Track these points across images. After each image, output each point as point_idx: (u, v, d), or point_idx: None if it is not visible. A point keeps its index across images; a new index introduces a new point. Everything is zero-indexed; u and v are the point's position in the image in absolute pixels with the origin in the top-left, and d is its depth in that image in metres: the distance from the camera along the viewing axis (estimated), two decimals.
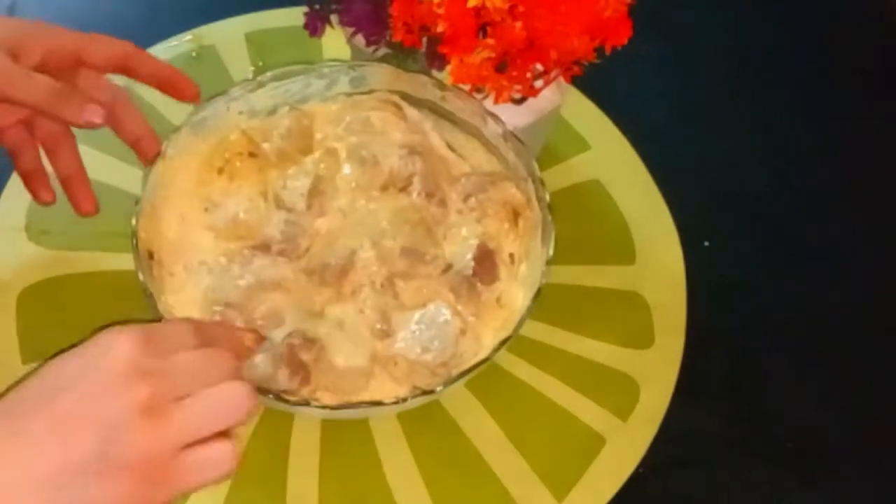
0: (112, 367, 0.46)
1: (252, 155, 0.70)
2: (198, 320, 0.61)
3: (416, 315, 0.64)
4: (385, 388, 0.63)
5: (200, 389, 0.48)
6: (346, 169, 0.69)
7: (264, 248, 0.66)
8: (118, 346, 0.47)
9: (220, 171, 0.69)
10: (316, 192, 0.68)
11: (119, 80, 0.76)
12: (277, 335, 0.62)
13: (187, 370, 0.48)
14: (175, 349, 0.49)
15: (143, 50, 0.65)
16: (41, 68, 0.62)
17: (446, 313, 0.64)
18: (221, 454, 0.48)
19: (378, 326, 0.63)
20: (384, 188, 0.69)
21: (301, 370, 0.61)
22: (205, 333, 0.52)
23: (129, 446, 0.45)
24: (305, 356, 0.61)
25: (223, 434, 0.48)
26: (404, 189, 0.69)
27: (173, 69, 0.66)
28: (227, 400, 0.49)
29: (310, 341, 0.62)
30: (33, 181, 0.68)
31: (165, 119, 0.78)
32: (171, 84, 0.66)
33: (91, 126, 0.61)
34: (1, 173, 0.76)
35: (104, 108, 0.61)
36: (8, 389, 0.48)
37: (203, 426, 0.47)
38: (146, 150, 0.67)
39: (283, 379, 0.60)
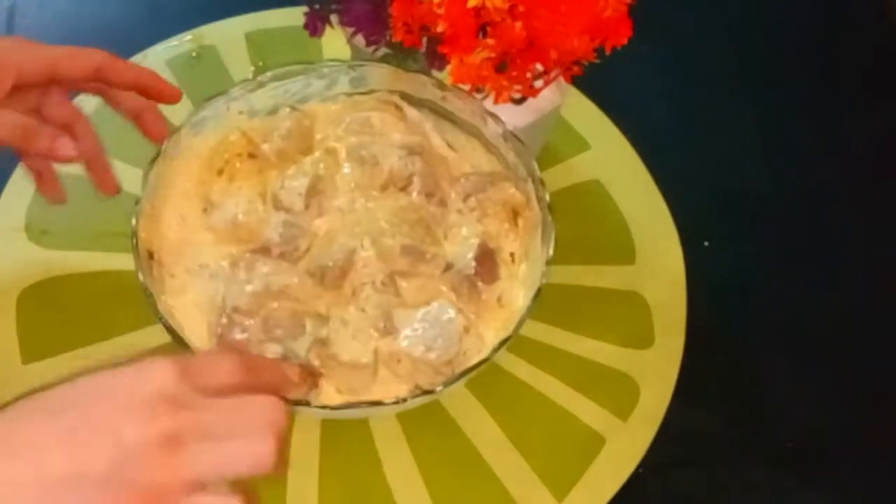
0: (142, 392, 0.45)
1: (252, 156, 0.69)
2: (244, 352, 0.59)
3: (420, 313, 0.64)
4: (389, 385, 0.63)
5: (233, 436, 0.46)
6: (346, 169, 0.69)
7: (265, 251, 0.66)
8: (155, 372, 0.46)
9: (220, 171, 0.69)
10: (314, 192, 0.68)
11: None
12: (299, 345, 0.62)
13: (222, 410, 0.47)
14: (217, 385, 0.48)
15: (118, 59, 0.64)
16: (16, 90, 0.61)
17: (450, 311, 0.64)
18: None
19: (381, 324, 0.63)
20: (384, 188, 0.69)
21: (309, 376, 0.61)
22: (251, 367, 0.50)
23: (139, 472, 0.44)
24: (316, 361, 0.62)
25: (243, 489, 0.47)
26: (404, 189, 0.69)
27: (152, 74, 0.65)
28: (251, 453, 0.46)
29: (320, 344, 0.62)
30: (43, 181, 0.68)
31: (165, 119, 0.78)
32: (152, 89, 0.65)
33: (66, 160, 0.62)
34: (1, 173, 0.76)
35: (76, 138, 0.63)
36: (41, 388, 0.47)
37: (217, 472, 0.46)
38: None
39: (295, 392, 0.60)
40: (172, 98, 0.66)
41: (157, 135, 0.66)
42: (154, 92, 0.65)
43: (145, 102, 0.66)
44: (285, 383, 0.56)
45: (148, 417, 0.45)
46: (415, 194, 0.68)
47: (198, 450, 0.45)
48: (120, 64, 0.64)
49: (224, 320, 0.63)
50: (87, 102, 0.67)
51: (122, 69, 0.64)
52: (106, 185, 0.68)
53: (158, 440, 0.44)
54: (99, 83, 0.65)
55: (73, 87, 0.66)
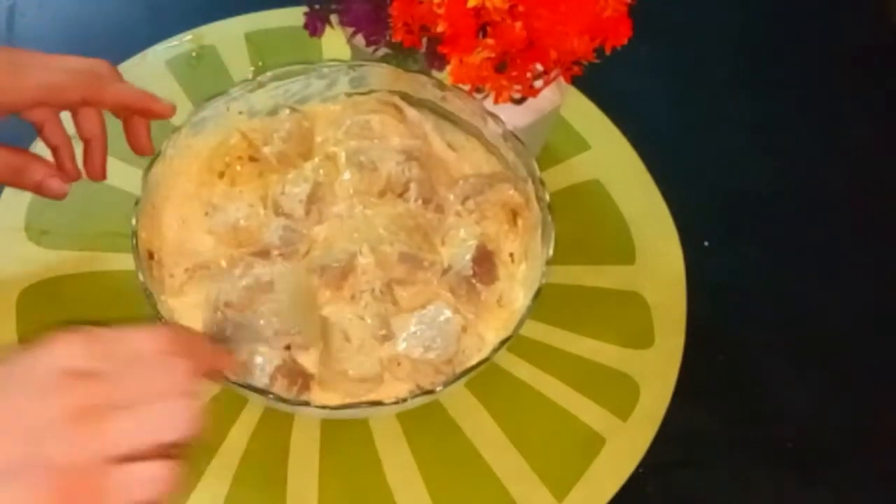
0: (49, 370, 0.43)
1: (252, 159, 0.70)
2: (184, 329, 0.56)
3: (416, 316, 0.64)
4: (390, 385, 0.63)
5: (145, 401, 0.44)
6: (345, 175, 0.69)
7: (264, 254, 0.66)
8: (60, 347, 0.44)
9: (221, 174, 0.69)
10: (315, 199, 0.68)
11: None
12: (275, 341, 0.62)
13: (133, 377, 0.44)
14: (126, 353, 0.45)
15: (105, 87, 0.65)
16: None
17: (447, 312, 0.64)
18: (155, 474, 0.43)
19: (380, 332, 0.63)
20: (382, 194, 0.69)
21: (300, 377, 0.61)
22: (183, 344, 0.48)
23: (55, 453, 0.42)
24: (305, 361, 0.62)
25: (167, 452, 0.44)
26: (401, 195, 0.69)
27: (140, 97, 0.66)
28: (169, 415, 0.44)
29: (309, 343, 0.62)
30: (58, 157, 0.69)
31: (165, 119, 0.78)
32: (141, 110, 0.66)
33: (55, 197, 0.65)
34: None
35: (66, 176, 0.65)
36: None
37: (137, 440, 0.43)
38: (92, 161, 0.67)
39: (280, 390, 0.60)
40: (164, 114, 0.66)
41: (140, 149, 0.67)
42: (144, 112, 0.66)
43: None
44: (215, 368, 0.54)
45: (55, 395, 0.42)
46: (412, 201, 0.68)
47: (112, 420, 0.43)
48: (107, 93, 0.65)
49: (218, 315, 0.63)
50: None
51: (108, 98, 0.65)
52: (93, 169, 0.68)
53: (70, 416, 0.42)
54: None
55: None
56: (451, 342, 0.63)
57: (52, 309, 0.71)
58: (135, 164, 0.69)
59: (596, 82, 0.71)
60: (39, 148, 0.68)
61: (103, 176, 0.69)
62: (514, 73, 0.64)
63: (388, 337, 0.63)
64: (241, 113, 0.70)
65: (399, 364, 0.63)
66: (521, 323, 0.62)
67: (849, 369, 0.74)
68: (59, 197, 0.65)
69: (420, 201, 0.68)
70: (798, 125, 0.87)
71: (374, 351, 0.63)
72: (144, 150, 0.68)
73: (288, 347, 0.62)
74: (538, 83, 0.67)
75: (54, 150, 0.68)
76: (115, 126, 0.67)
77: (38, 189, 0.65)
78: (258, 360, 0.61)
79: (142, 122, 0.67)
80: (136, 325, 0.47)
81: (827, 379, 0.74)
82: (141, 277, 0.61)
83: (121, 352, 0.45)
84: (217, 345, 0.57)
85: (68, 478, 0.42)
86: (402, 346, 0.63)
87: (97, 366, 0.44)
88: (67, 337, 0.44)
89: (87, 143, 0.68)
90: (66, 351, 0.44)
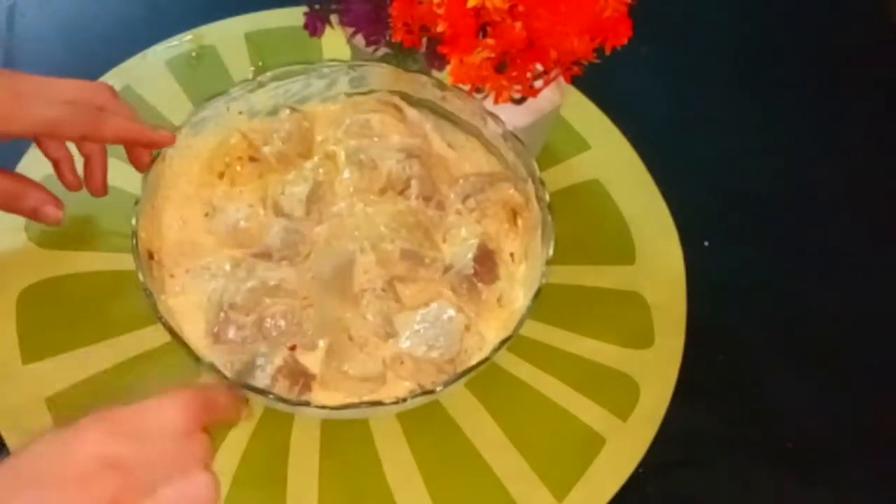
0: (80, 460, 0.46)
1: (252, 159, 0.70)
2: (199, 388, 0.57)
3: (420, 314, 0.64)
4: (392, 385, 0.63)
5: (169, 481, 0.48)
6: (345, 173, 0.69)
7: (266, 256, 0.66)
8: (89, 434, 0.47)
9: (221, 175, 0.69)
10: (315, 198, 0.68)
11: (117, 82, 0.77)
12: (280, 341, 0.62)
13: (158, 462, 0.48)
14: (154, 433, 0.49)
15: (105, 122, 0.65)
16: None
17: (450, 311, 0.64)
18: None
19: (383, 330, 0.63)
20: (382, 192, 0.69)
21: (301, 377, 0.61)
22: (201, 407, 0.51)
23: None
24: (307, 361, 0.62)
25: None
26: (402, 192, 0.69)
27: (138, 131, 0.66)
28: (194, 494, 0.48)
29: (314, 343, 0.62)
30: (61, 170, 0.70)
31: (165, 119, 0.78)
32: (140, 142, 0.67)
33: (50, 224, 0.68)
34: None
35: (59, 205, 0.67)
36: None
37: None
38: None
39: (281, 391, 0.60)
40: (165, 143, 0.67)
41: (143, 168, 0.67)
42: (144, 145, 0.67)
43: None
44: (235, 414, 0.57)
45: (87, 488, 0.45)
46: (413, 198, 0.68)
47: None
48: (106, 130, 0.65)
49: (221, 316, 0.63)
50: None
51: (107, 135, 0.66)
52: (94, 185, 0.70)
53: None
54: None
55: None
56: (455, 341, 0.63)
57: (52, 309, 0.71)
58: None
59: (596, 82, 0.71)
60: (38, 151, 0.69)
61: (104, 192, 0.70)
62: (514, 73, 0.64)
63: (391, 334, 0.63)
64: (241, 113, 0.70)
65: (402, 363, 0.63)
66: (521, 323, 0.62)
67: (849, 369, 0.74)
68: (54, 224, 0.68)
69: (421, 199, 0.68)
70: (798, 125, 0.87)
71: (377, 350, 0.63)
72: (146, 168, 0.68)
73: (293, 348, 0.62)
74: (538, 83, 0.67)
75: (55, 163, 0.69)
76: None
77: (34, 215, 0.68)
78: (259, 360, 0.61)
79: (143, 150, 0.68)
80: (156, 389, 0.50)
81: (827, 379, 0.74)
82: (141, 277, 0.61)
83: (143, 432, 0.48)
84: (232, 390, 0.58)
85: None
86: (405, 343, 0.63)
87: (124, 451, 0.47)
88: (94, 424, 0.47)
89: (87, 159, 0.69)
90: (95, 438, 0.47)
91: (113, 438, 0.47)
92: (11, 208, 0.68)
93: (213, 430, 0.51)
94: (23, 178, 0.69)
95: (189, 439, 0.49)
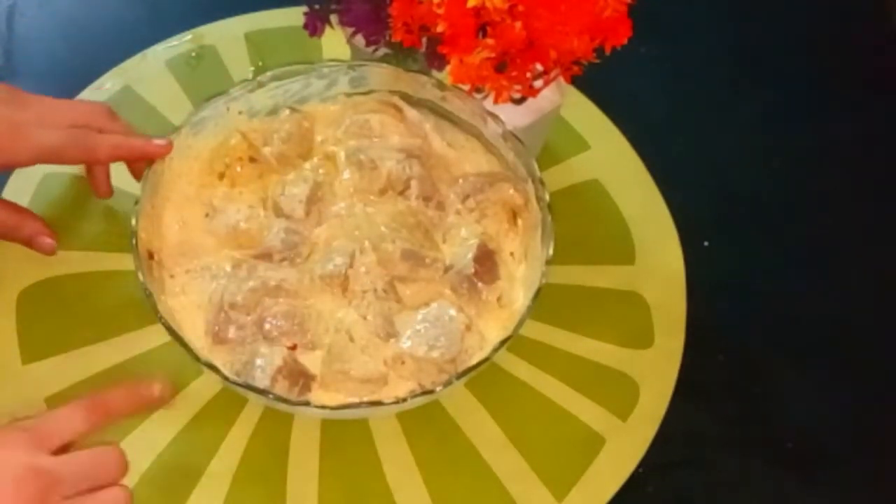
0: (4, 472, 0.50)
1: (253, 160, 0.70)
2: (91, 395, 0.59)
3: (420, 314, 0.64)
4: (395, 388, 0.63)
5: (86, 490, 0.53)
6: (345, 174, 0.69)
7: (267, 257, 0.66)
8: (8, 449, 0.51)
9: (221, 176, 0.69)
10: (315, 199, 0.68)
11: (117, 82, 0.77)
12: (281, 341, 0.62)
13: (77, 472, 0.53)
14: (66, 439, 0.54)
15: (98, 151, 0.67)
16: None
17: (451, 310, 0.64)
18: None
19: (383, 331, 0.63)
20: (382, 192, 0.69)
21: (301, 378, 0.61)
22: (102, 407, 0.56)
23: None
24: (307, 361, 0.62)
25: None
26: (402, 193, 0.69)
27: (139, 146, 0.67)
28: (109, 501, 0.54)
29: (315, 344, 0.62)
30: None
31: (165, 119, 0.78)
32: (140, 157, 0.68)
33: (45, 253, 0.70)
34: (1, 174, 0.76)
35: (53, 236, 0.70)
36: None
37: None
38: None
39: (281, 391, 0.60)
40: (163, 153, 0.67)
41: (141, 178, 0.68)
42: (143, 158, 0.67)
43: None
44: (148, 402, 0.60)
45: (13, 494, 0.50)
46: (413, 198, 0.68)
47: None
48: (103, 154, 0.68)
49: (221, 316, 0.63)
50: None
51: (104, 159, 0.68)
52: (99, 188, 0.72)
53: None
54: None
55: None
56: (455, 341, 0.63)
57: (52, 309, 0.71)
58: None
59: (596, 82, 0.71)
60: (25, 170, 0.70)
61: (109, 193, 0.72)
62: (514, 73, 0.64)
63: (392, 334, 0.63)
64: (241, 113, 0.70)
65: (403, 363, 0.63)
66: (521, 323, 0.62)
67: (849, 369, 0.74)
68: (48, 253, 0.70)
69: (421, 199, 0.68)
70: (798, 125, 0.87)
71: (378, 351, 0.63)
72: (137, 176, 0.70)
73: (293, 348, 0.62)
74: (538, 83, 0.67)
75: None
76: None
77: (29, 244, 0.70)
78: (259, 361, 0.61)
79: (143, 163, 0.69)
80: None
81: (827, 379, 0.74)
82: (141, 277, 0.62)
83: (61, 437, 0.54)
84: (139, 383, 0.61)
85: None
86: (406, 343, 0.63)
87: (46, 460, 0.52)
88: (13, 436, 0.52)
89: (89, 168, 0.71)
90: (14, 453, 0.51)
91: (34, 448, 0.51)
92: (8, 237, 0.70)
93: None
94: (20, 209, 0.71)
95: (104, 454, 0.54)
